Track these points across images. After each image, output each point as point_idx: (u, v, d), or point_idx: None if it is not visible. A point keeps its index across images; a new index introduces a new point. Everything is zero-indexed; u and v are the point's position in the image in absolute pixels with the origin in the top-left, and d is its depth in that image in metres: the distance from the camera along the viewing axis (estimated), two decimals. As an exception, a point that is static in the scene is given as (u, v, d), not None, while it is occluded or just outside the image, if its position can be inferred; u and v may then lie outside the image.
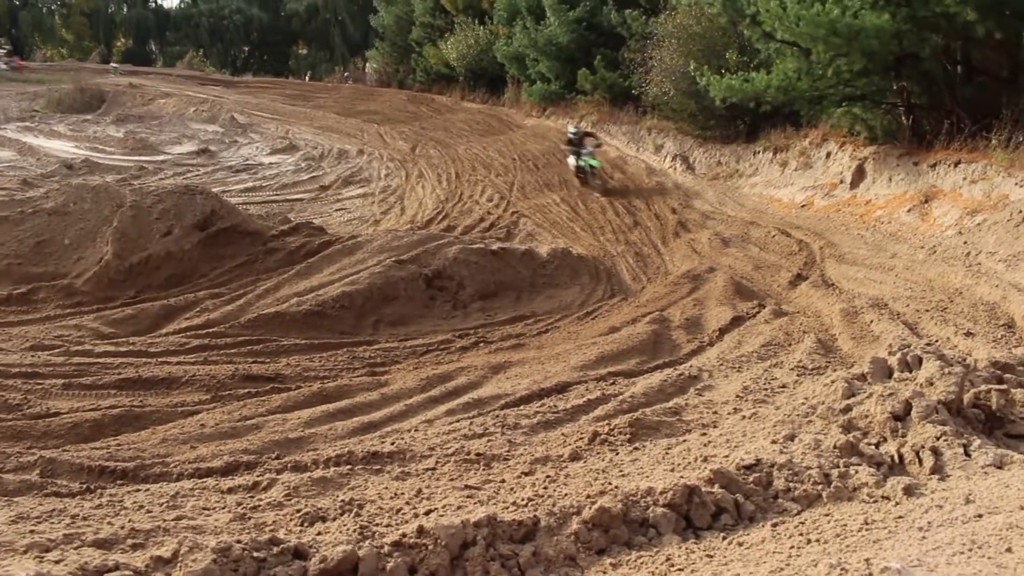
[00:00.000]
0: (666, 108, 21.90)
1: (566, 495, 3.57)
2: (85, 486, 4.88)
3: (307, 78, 46.09)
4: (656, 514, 3.31)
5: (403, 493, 3.91)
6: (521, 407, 6.24)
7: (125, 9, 58.34)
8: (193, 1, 59.49)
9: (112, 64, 43.62)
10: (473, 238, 13.87)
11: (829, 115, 16.83)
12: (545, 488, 3.75)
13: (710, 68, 17.95)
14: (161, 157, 23.61)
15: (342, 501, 3.72)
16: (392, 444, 5.28)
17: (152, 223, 12.09)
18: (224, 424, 6.15)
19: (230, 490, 4.47)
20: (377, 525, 3.20)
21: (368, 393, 6.90)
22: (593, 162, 19.19)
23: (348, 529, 3.17)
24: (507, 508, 3.29)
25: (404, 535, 2.86)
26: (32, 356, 8.92)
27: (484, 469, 4.57)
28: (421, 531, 2.87)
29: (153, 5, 60.26)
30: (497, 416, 5.95)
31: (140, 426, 6.31)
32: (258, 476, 4.75)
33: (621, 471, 4.12)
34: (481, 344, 9.33)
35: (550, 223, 16.28)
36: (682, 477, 3.64)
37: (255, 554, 2.69)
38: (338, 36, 53.15)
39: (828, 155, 16.96)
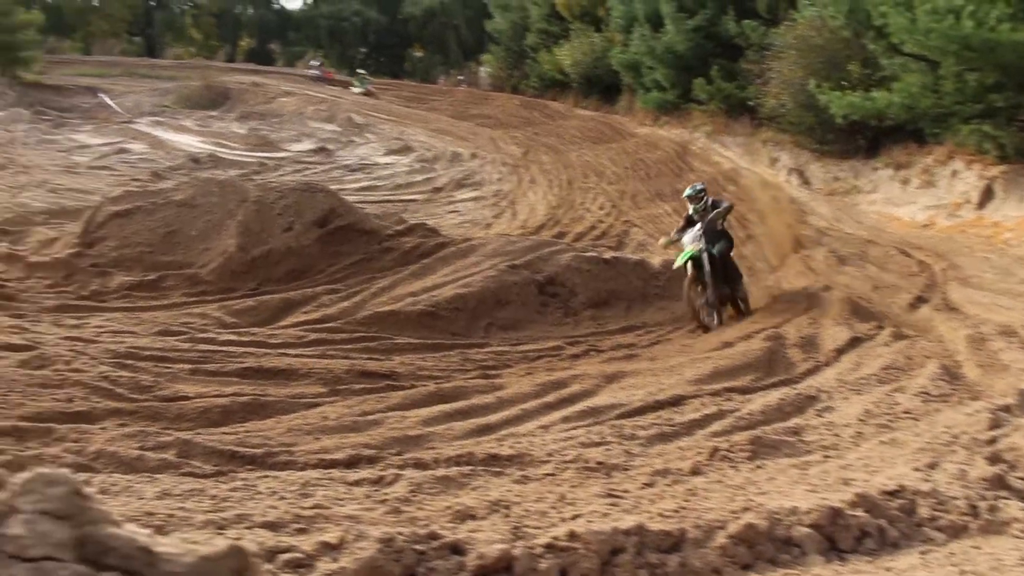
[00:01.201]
0: (783, 121, 21.54)
1: (709, 509, 3.56)
2: (217, 468, 5.09)
3: (450, 80, 47.23)
4: (800, 533, 3.30)
5: (547, 497, 3.95)
6: (636, 418, 6.23)
7: (250, 10, 60.19)
8: (314, 3, 61.02)
9: (359, 72, 44.56)
10: (585, 246, 13.87)
11: (955, 132, 16.26)
12: (687, 501, 3.75)
13: (830, 81, 17.58)
14: (281, 154, 24.36)
15: (489, 501, 3.79)
16: (510, 447, 5.34)
17: (274, 218, 12.47)
18: (345, 418, 6.32)
19: (356, 483, 4.59)
20: (527, 527, 3.25)
21: (483, 395, 6.98)
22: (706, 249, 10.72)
23: (500, 528, 3.23)
24: (653, 518, 3.30)
25: (556, 538, 2.91)
26: (161, 340, 9.32)
27: (604, 478, 4.59)
28: (573, 535, 2.91)
29: (276, 6, 62.00)
30: (613, 425, 5.95)
31: (265, 414, 6.53)
32: (381, 471, 4.86)
33: (759, 489, 4.08)
34: (592, 352, 9.34)
35: (662, 233, 16.17)
36: (824, 499, 3.59)
37: (415, 547, 2.78)
38: (453, 40, 53.83)
39: (953, 173, 16.39)
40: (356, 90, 38.41)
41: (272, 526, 3.33)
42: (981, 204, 15.09)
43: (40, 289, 11.55)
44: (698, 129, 25.91)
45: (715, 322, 10.52)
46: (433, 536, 2.89)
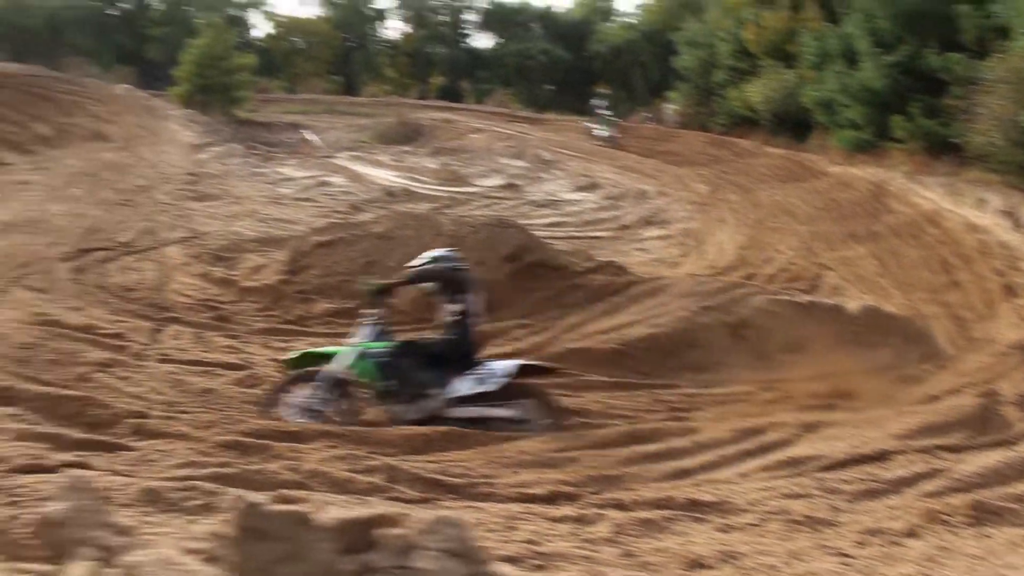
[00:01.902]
0: (992, 159, 20.35)
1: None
2: (422, 495, 5.28)
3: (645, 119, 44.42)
4: None
5: (771, 549, 3.90)
6: (839, 471, 6.02)
7: (442, 50, 62.33)
8: (503, 42, 62.54)
9: (599, 111, 38.33)
10: (776, 288, 13.53)
11: None
12: (926, 567, 3.60)
13: (1050, 119, 16.52)
14: (471, 189, 25.06)
15: (717, 550, 3.78)
16: (711, 494, 5.28)
17: (468, 252, 12.81)
18: (542, 453, 6.42)
19: (559, 519, 4.65)
20: None
21: (678, 438, 6.93)
22: None
23: None
24: None
25: None
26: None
27: (812, 532, 4.47)
28: None
29: (467, 46, 63.93)
30: (816, 478, 5.78)
31: (465, 445, 6.72)
32: (581, 509, 4.91)
33: (1002, 560, 3.87)
34: (787, 399, 9.09)
35: (856, 277, 15.59)
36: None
37: None
38: (639, 77, 53.93)
39: None
40: (599, 132, 34.28)
41: (511, 560, 3.42)
42: None
43: (251, 312, 12.36)
44: (895, 168, 24.81)
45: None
46: None
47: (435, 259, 8.36)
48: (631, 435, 7.03)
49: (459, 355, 7.77)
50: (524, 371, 7.87)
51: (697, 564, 3.62)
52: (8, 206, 17.96)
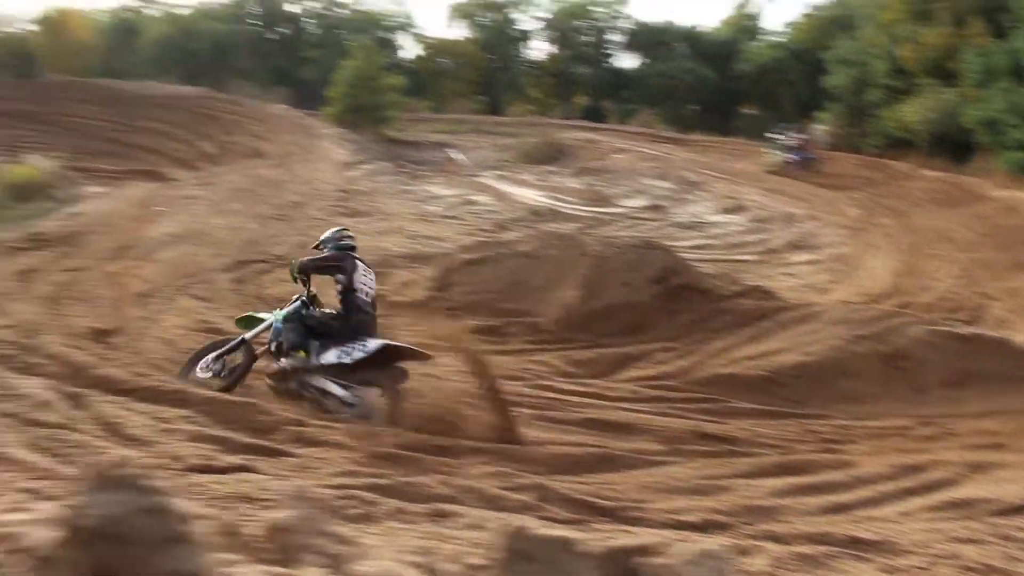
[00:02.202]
0: None
1: None
2: (573, 516, 5.28)
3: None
4: None
5: None
6: (1014, 517, 5.69)
7: (586, 70, 62.55)
8: (647, 62, 62.29)
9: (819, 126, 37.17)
10: (936, 318, 12.93)
11: None
12: None
13: None
14: (615, 209, 25.01)
15: None
16: (872, 532, 5.08)
17: (613, 273, 12.81)
18: (693, 480, 6.33)
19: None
20: None
21: (834, 471, 6.72)
22: None
23: None
24: None
25: None
26: (505, 384, 9.86)
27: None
28: None
29: (610, 66, 63.99)
30: (988, 523, 5.48)
31: (614, 468, 6.70)
32: (736, 539, 4.81)
33: None
34: (948, 436, 8.66)
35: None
36: None
37: None
38: (787, 96, 52.69)
39: None
40: (778, 156, 31.34)
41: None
42: None
43: (399, 327, 12.66)
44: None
45: None
46: None
47: (324, 240, 9.14)
48: (783, 466, 6.85)
49: (343, 329, 8.29)
50: (389, 352, 8.21)
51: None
52: (176, 219, 19.04)
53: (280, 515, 1.86)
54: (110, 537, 1.35)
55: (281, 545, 1.83)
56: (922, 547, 4.81)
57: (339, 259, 8.75)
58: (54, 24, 55.30)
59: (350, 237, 9.22)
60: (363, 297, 8.65)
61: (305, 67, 55.34)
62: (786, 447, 7.89)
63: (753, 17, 60.49)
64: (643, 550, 1.64)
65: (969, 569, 4.41)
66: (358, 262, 8.75)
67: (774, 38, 57.82)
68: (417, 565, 2.13)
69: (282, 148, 31.85)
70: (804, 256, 19.54)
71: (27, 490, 3.88)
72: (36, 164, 24.18)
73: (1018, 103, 25.35)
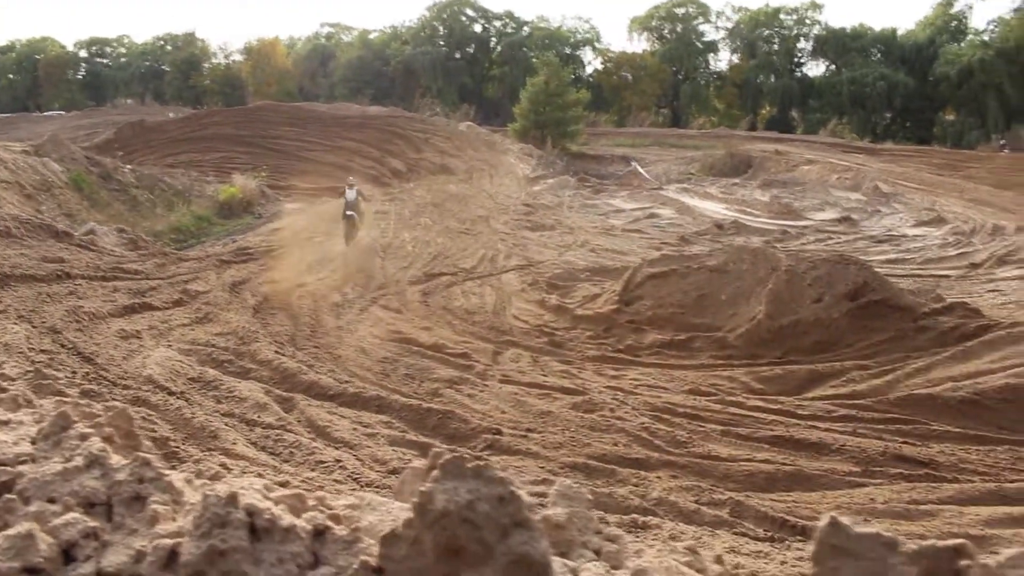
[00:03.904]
0: None
1: None
2: (770, 534, 5.23)
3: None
4: None
5: None
6: None
7: (772, 79, 61.15)
8: (836, 69, 60.25)
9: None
10: None
11: None
12: None
13: None
14: (803, 222, 24.31)
15: None
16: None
17: (805, 288, 12.48)
18: (893, 504, 6.12)
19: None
20: None
21: (1053, 504, 6.31)
22: None
23: None
24: None
25: None
26: (692, 399, 9.82)
27: None
28: None
29: (798, 74, 62.27)
30: None
31: (809, 487, 6.56)
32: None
33: None
34: None
35: None
36: None
37: None
38: (993, 100, 49.63)
39: None
40: None
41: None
42: None
43: (584, 339, 12.83)
44: None
45: None
46: None
47: None
48: (994, 493, 6.49)
49: None
50: None
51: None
52: (368, 234, 19.98)
53: (551, 511, 1.99)
54: (462, 521, 1.52)
55: (555, 540, 1.95)
56: None
57: None
58: (258, 53, 59.18)
59: None
60: None
61: (490, 84, 56.81)
62: (995, 474, 7.47)
63: (958, 16, 57.27)
64: (964, 551, 1.65)
65: None
66: None
67: (978, 38, 54.65)
68: (690, 565, 2.22)
69: (468, 164, 32.80)
70: (1014, 272, 18.31)
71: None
72: (240, 183, 25.99)
73: None
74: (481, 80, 59.00)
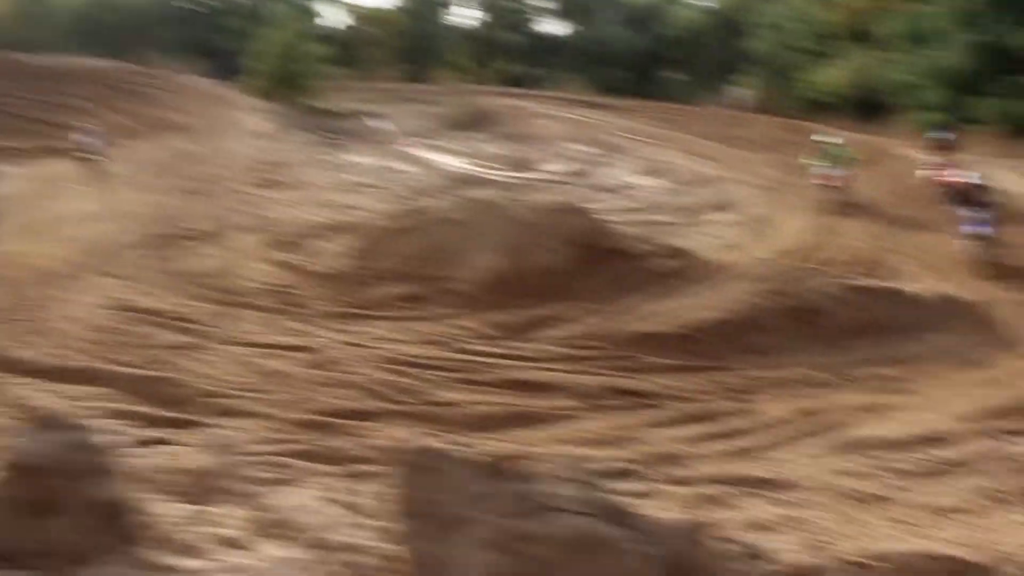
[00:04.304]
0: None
1: (995, 542, 3.47)
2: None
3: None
4: None
5: (829, 516, 3.99)
6: (901, 452, 6.00)
7: (509, 36, 62.30)
8: (572, 27, 62.28)
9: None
10: (841, 272, 13.35)
11: None
12: (980, 533, 3.67)
13: None
14: (537, 175, 25.10)
15: (778, 515, 3.88)
16: (772, 471, 5.32)
17: (535, 237, 12.92)
18: (605, 432, 6.52)
19: (623, 494, 4.74)
20: (823, 543, 3.32)
21: (740, 419, 6.98)
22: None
23: (793, 541, 3.32)
24: (949, 545, 3.26)
25: (864, 556, 2.95)
26: (427, 349, 9.97)
27: (869, 507, 4.49)
28: (883, 556, 2.95)
29: (534, 31, 63.81)
30: (877, 458, 5.77)
31: (529, 424, 6.86)
32: (646, 485, 5.01)
33: None
34: (850, 382, 9.03)
35: (926, 264, 15.23)
36: None
37: (723, 547, 2.93)
38: (711, 60, 53.28)
39: None
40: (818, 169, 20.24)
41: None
42: None
43: (319, 297, 12.63)
44: (978, 151, 24.18)
45: None
46: (731, 540, 3.02)
47: None
48: (692, 415, 7.09)
49: None
50: None
51: (760, 527, 3.71)
52: (89, 195, 18.60)
53: (201, 460, 1.97)
54: (47, 471, 1.49)
55: (201, 487, 1.95)
56: (810, 480, 5.06)
57: None
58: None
59: None
60: None
61: (225, 36, 54.22)
62: (696, 399, 8.14)
63: (675, -19, 60.48)
64: (518, 456, 1.90)
65: (860, 499, 4.66)
66: None
67: (698, 2, 58.19)
68: (334, 501, 2.26)
69: (201, 121, 31.20)
70: (722, 216, 19.85)
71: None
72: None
73: (929, 66, 26.03)
74: (215, 32, 56.05)
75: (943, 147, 15.02)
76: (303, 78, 38.54)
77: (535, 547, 1.77)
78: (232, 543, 2.08)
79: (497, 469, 1.88)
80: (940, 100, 26.28)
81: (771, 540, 3.28)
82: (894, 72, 28.54)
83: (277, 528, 2.09)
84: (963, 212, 14.45)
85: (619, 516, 1.87)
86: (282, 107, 34.75)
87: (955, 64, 24.87)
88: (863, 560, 2.89)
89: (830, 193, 18.02)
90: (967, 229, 14.01)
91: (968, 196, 14.78)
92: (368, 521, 2.22)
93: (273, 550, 2.01)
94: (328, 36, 55.13)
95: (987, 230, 14.08)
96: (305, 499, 2.16)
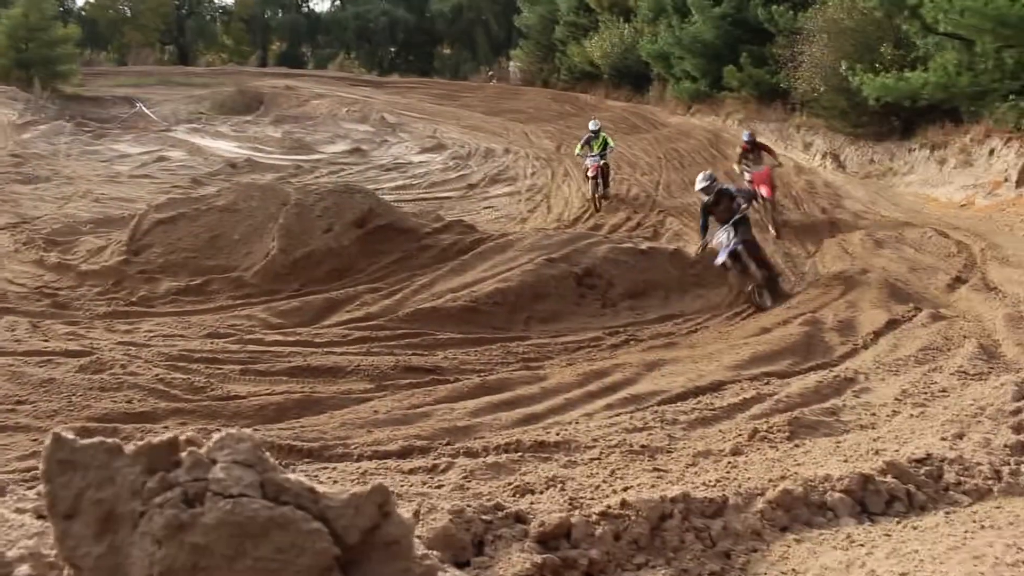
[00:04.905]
0: (816, 105, 21.47)
1: (748, 479, 3.76)
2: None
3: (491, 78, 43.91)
4: (834, 498, 3.57)
5: (598, 473, 4.15)
6: (678, 404, 6.38)
7: (280, 14, 60.65)
8: (342, 5, 61.35)
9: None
10: (621, 237, 13.98)
11: (993, 110, 16.14)
12: (728, 473, 3.95)
13: (863, 64, 17.52)
14: (316, 156, 24.69)
15: (546, 478, 3.99)
16: (557, 435, 5.51)
17: (314, 220, 12.70)
18: (395, 411, 6.52)
19: (411, 471, 4.78)
20: (582, 498, 3.46)
21: (528, 386, 7.15)
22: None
23: (557, 500, 3.44)
24: (697, 488, 3.51)
25: (609, 507, 3.12)
26: (210, 343, 9.60)
27: (648, 460, 4.74)
28: (624, 504, 3.12)
29: (305, 10, 62.40)
30: (655, 411, 6.10)
31: (318, 411, 6.76)
32: (434, 460, 5.05)
33: (796, 461, 4.27)
34: (632, 342, 9.48)
35: (697, 223, 16.23)
36: (856, 467, 3.79)
37: (483, 516, 3.01)
38: (482, 35, 53.99)
39: (991, 152, 16.28)
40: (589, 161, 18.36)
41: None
42: (1020, 182, 14.98)
43: (91, 296, 11.89)
44: (730, 116, 25.89)
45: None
46: (499, 507, 3.11)
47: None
48: (482, 387, 7.21)
49: None
50: None
51: (526, 491, 3.84)
52: None
53: None
54: None
55: None
56: (598, 440, 5.28)
57: None
58: None
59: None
60: None
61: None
62: (487, 370, 8.28)
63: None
64: (181, 443, 1.87)
65: (635, 452, 4.91)
66: None
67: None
68: (28, 511, 2.12)
69: (-62, 112, 28.49)
70: (503, 189, 20.30)
71: None
72: None
73: (682, 37, 27.48)
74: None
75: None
76: (54, 62, 35.95)
77: (195, 535, 1.76)
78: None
79: (154, 456, 1.86)
80: (695, 69, 27.83)
81: (535, 502, 3.43)
82: (651, 44, 29.94)
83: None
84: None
85: (290, 495, 1.89)
86: (32, 94, 32.28)
87: (705, 36, 26.40)
88: (611, 511, 3.09)
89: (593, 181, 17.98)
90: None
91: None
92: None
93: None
94: (76, 15, 51.59)
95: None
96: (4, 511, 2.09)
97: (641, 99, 32.81)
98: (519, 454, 5.07)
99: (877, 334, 8.79)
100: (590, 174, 17.86)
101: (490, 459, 4.93)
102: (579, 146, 19.15)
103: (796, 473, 3.80)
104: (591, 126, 19.01)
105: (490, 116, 30.76)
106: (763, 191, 14.98)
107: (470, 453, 5.20)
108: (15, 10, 35.73)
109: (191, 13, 58.62)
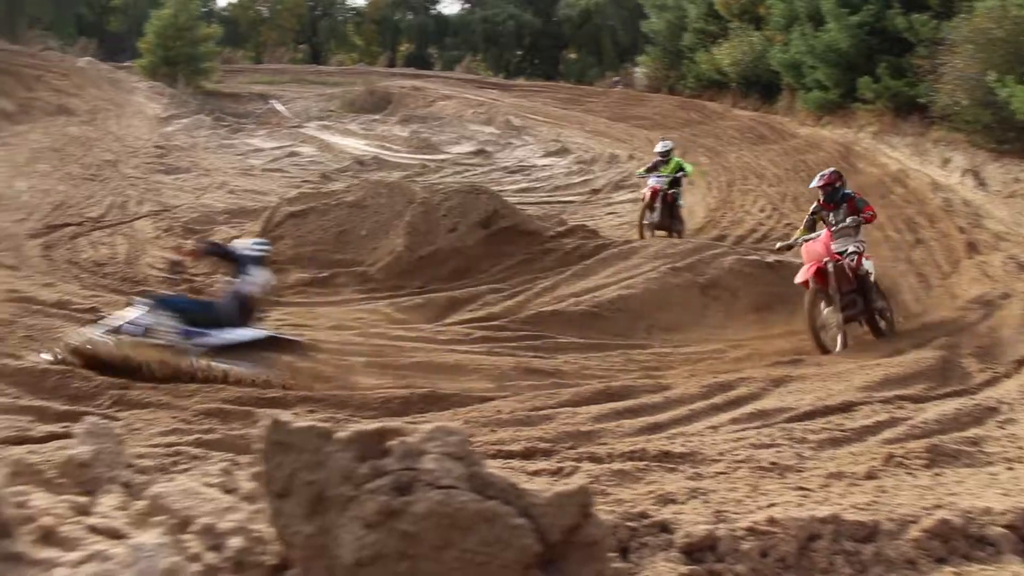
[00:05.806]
0: (956, 119, 20.55)
1: (900, 504, 3.62)
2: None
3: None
4: (995, 533, 3.34)
5: (740, 488, 4.08)
6: (806, 422, 6.20)
7: (410, 16, 61.75)
8: (471, 8, 62.06)
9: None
10: (747, 248, 13.71)
11: None
12: (877, 497, 3.82)
13: (1013, 75, 16.72)
14: (442, 156, 25.06)
15: (688, 489, 3.95)
16: (682, 446, 5.44)
17: (440, 219, 12.92)
18: (518, 412, 6.56)
19: (535, 472, 4.79)
20: (726, 512, 3.40)
21: (651, 395, 7.09)
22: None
23: (701, 512, 3.40)
24: (845, 510, 3.40)
25: (756, 522, 3.05)
26: (336, 335, 9.86)
27: (778, 478, 4.63)
28: (772, 520, 3.06)
29: (434, 12, 63.35)
30: (783, 428, 5.95)
31: (442, 407, 6.85)
32: (558, 463, 5.05)
33: (948, 490, 4.08)
34: (756, 356, 9.29)
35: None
36: (1019, 502, 3.58)
37: (628, 523, 3.00)
38: (608, 41, 53.78)
39: None
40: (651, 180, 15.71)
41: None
42: None
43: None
44: (863, 129, 25.04)
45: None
46: (644, 515, 3.09)
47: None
48: (604, 393, 7.17)
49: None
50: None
51: (669, 500, 3.79)
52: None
53: (76, 450, 1.89)
54: None
55: (79, 479, 1.89)
56: (725, 454, 5.19)
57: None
58: None
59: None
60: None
61: (111, 17, 52.23)
62: (608, 376, 8.26)
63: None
64: (390, 431, 1.90)
65: (763, 469, 4.80)
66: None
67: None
68: (218, 485, 2.21)
69: (90, 104, 30.05)
70: (627, 195, 20.14)
71: None
72: None
73: (815, 46, 26.74)
74: (101, 12, 53.93)
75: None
76: (197, 60, 37.55)
77: (405, 523, 1.80)
78: (110, 533, 2.06)
79: (364, 443, 1.90)
80: (827, 79, 27.07)
81: (678, 512, 3.37)
82: (782, 52, 29.26)
83: (157, 516, 2.10)
84: None
85: (496, 490, 1.91)
86: (177, 90, 33.78)
87: (839, 45, 25.64)
88: (759, 527, 3.01)
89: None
90: None
91: None
92: (248, 505, 2.24)
93: (149, 538, 2.00)
94: (219, 16, 53.74)
95: None
96: (190, 486, 2.17)
97: (769, 109, 32.06)
98: (644, 463, 5.01)
99: (1021, 363, 8.36)
100: (646, 197, 14.93)
101: (615, 466, 4.90)
102: (642, 169, 16.01)
103: (952, 503, 3.62)
104: (659, 148, 15.72)
105: (615, 122, 30.59)
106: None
107: (594, 459, 5.17)
108: (165, 11, 37.45)
109: (325, 14, 60.33)
